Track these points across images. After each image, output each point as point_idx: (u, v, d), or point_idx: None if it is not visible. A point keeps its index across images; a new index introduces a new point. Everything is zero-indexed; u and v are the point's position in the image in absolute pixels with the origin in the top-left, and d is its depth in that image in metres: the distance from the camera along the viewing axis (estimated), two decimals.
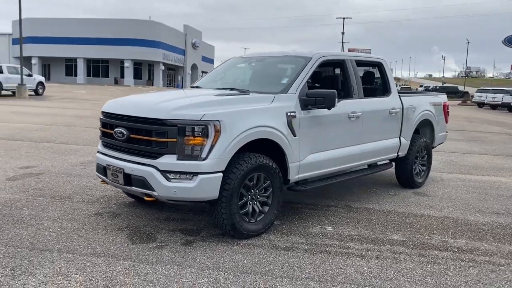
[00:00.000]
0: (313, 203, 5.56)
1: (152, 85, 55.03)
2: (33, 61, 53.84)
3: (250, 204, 4.20)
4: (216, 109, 3.93)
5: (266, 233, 4.35)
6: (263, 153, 4.33)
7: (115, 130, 4.16)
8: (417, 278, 3.50)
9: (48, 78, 55.70)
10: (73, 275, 3.30)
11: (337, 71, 5.81)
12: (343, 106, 5.08)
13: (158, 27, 54.39)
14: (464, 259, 3.94)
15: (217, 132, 3.81)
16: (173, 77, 62.12)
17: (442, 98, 7.29)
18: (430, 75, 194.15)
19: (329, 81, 5.57)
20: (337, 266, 3.67)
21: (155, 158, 3.87)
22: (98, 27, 52.24)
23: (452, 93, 56.84)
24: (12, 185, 5.85)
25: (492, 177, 7.74)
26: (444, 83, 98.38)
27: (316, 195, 5.89)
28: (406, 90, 56.09)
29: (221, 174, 3.87)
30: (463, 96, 49.48)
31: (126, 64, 53.98)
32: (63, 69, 56.99)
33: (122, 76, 55.31)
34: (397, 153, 6.14)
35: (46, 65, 56.77)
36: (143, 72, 57.65)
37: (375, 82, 6.15)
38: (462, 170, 8.29)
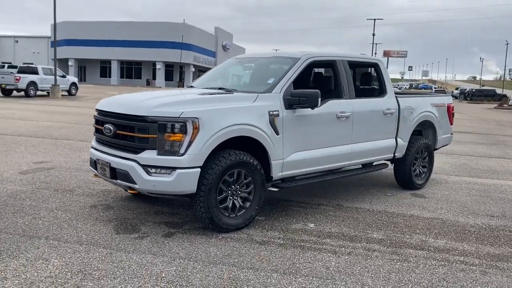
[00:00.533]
0: (304, 201, 5.65)
1: (183, 86, 55.98)
2: (70, 62, 55.87)
3: (230, 199, 4.35)
4: (196, 107, 4.11)
5: (247, 228, 4.49)
6: (247, 150, 4.48)
7: (104, 126, 4.41)
8: (382, 274, 3.56)
9: (84, 79, 57.66)
10: (52, 259, 3.55)
11: (328, 71, 5.87)
12: (332, 106, 5.16)
13: (190, 30, 55.32)
14: (437, 258, 3.96)
15: (195, 129, 3.99)
16: None
17: (446, 99, 7.21)
18: (474, 77, 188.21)
19: (319, 81, 5.66)
20: (305, 260, 3.77)
21: (137, 153, 4.09)
22: (132, 30, 53.64)
23: (490, 96, 55.05)
24: (22, 178, 6.22)
25: (501, 181, 7.59)
26: (483, 85, 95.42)
27: (310, 194, 5.97)
28: (440, 92, 54.94)
29: (198, 169, 4.04)
30: (501, 99, 47.81)
31: (158, 66, 55.21)
32: (98, 71, 58.85)
33: (154, 78, 56.59)
34: (394, 154, 6.14)
35: (82, 66, 58.76)
36: (175, 74, 58.73)
37: (371, 82, 6.19)
38: (472, 173, 8.14)
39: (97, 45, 54.07)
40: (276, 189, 5.88)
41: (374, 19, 53.69)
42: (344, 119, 5.28)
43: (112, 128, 4.30)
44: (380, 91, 6.02)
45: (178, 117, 3.96)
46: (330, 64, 5.48)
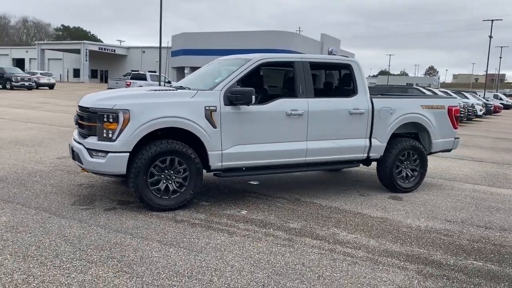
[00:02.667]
0: (267, 194, 6.01)
1: None
2: (186, 70, 60.74)
3: (164, 182, 4.97)
4: (129, 101, 4.83)
5: (183, 209, 5.06)
6: (189, 141, 5.07)
7: (75, 116, 5.37)
8: (249, 253, 3.87)
9: None
10: (2, 217, 4.53)
11: (287, 71, 6.14)
12: (281, 103, 5.47)
13: (294, 37, 56.47)
14: (324, 248, 4.11)
15: (126, 119, 4.71)
16: None
17: (447, 102, 6.89)
18: None
19: (273, 81, 5.97)
20: (196, 237, 4.23)
21: (85, 138, 4.95)
22: (241, 39, 56.55)
23: None
24: (54, 161, 7.54)
25: None
26: None
27: (282, 189, 6.30)
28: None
29: (127, 154, 4.74)
30: None
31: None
32: None
33: None
34: (368, 154, 6.15)
35: None
36: None
37: (339, 83, 6.28)
38: (497, 184, 7.60)
39: (209, 54, 57.80)
40: (256, 183, 6.36)
41: (492, 20, 49.07)
42: (296, 117, 5.53)
43: (76, 118, 5.24)
44: (351, 92, 6.09)
45: (111, 109, 4.73)
46: (287, 65, 5.78)
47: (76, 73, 70.22)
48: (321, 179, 7.25)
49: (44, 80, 39.09)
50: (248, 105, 5.16)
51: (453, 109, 6.88)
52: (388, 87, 22.18)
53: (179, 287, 3.20)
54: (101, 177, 6.42)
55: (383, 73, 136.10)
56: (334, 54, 6.41)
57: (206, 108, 5.05)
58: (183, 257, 3.73)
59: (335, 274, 3.54)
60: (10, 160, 7.47)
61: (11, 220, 4.45)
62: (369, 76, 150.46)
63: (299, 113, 5.53)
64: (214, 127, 5.08)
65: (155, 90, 5.34)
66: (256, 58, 5.50)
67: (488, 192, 6.86)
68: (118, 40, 71.17)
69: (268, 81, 6.42)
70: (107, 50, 67.46)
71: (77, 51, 65.02)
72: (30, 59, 73.83)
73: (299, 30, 79.80)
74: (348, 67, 6.12)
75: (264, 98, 5.65)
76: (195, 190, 5.11)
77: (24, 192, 5.51)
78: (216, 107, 5.09)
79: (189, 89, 5.46)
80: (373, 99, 6.12)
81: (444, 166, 9.07)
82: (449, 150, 7.13)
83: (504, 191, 6.98)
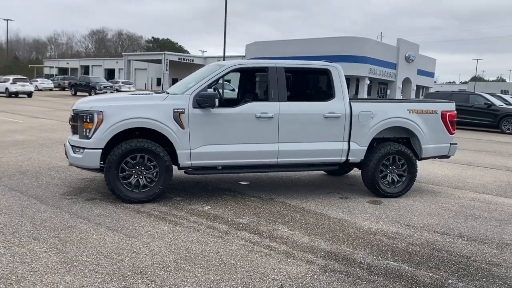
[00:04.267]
0: (244, 193, 6.33)
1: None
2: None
3: (135, 177, 5.51)
4: (104, 103, 5.45)
5: (152, 203, 5.56)
6: (162, 140, 5.59)
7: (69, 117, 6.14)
8: (176, 241, 4.25)
9: None
10: None
11: (263, 76, 6.39)
12: (251, 107, 5.79)
13: (366, 43, 55.20)
14: (252, 240, 4.36)
15: (100, 120, 5.33)
16: (385, 91, 61.92)
17: (441, 106, 6.69)
18: None
19: (247, 85, 6.27)
20: (143, 225, 4.69)
21: (72, 136, 5.66)
22: (313, 46, 56.53)
23: None
24: None
25: None
26: None
27: (263, 189, 6.59)
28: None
29: (100, 150, 5.35)
30: None
31: None
32: None
33: None
34: (346, 157, 6.22)
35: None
36: (351, 87, 59.30)
37: (315, 87, 6.39)
38: (506, 193, 7.21)
39: None
40: (246, 183, 6.77)
41: None
42: (266, 120, 5.81)
43: (69, 119, 5.99)
44: (328, 96, 6.21)
45: (88, 110, 5.38)
46: (262, 70, 6.07)
47: (159, 82, 74.73)
48: (315, 182, 7.38)
49: (125, 88, 42.50)
50: (212, 108, 5.55)
51: (448, 114, 6.68)
52: (449, 94, 21.14)
53: (90, 262, 3.69)
54: None
55: (475, 79, 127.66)
56: (412, 60, 6.59)
57: (175, 110, 5.52)
58: (116, 241, 4.21)
59: (239, 263, 3.81)
60: (44, 157, 8.52)
61: (1, 204, 5.24)
62: (460, 82, 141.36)
63: (269, 116, 5.80)
64: (182, 128, 5.53)
65: (134, 94, 5.93)
66: (229, 65, 5.87)
67: (486, 201, 6.54)
68: (201, 51, 74.65)
69: (244, 85, 6.73)
70: (186, 60, 71.05)
71: (159, 61, 69.27)
72: (119, 69, 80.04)
73: (381, 36, 77.75)
74: (326, 72, 6.25)
75: (237, 101, 5.99)
76: (164, 185, 5.59)
77: (31, 183, 6.37)
78: (184, 109, 5.54)
79: (167, 93, 5.98)
80: (352, 103, 6.19)
81: (466, 175, 8.69)
82: (447, 156, 6.91)
83: (508, 201, 6.61)
